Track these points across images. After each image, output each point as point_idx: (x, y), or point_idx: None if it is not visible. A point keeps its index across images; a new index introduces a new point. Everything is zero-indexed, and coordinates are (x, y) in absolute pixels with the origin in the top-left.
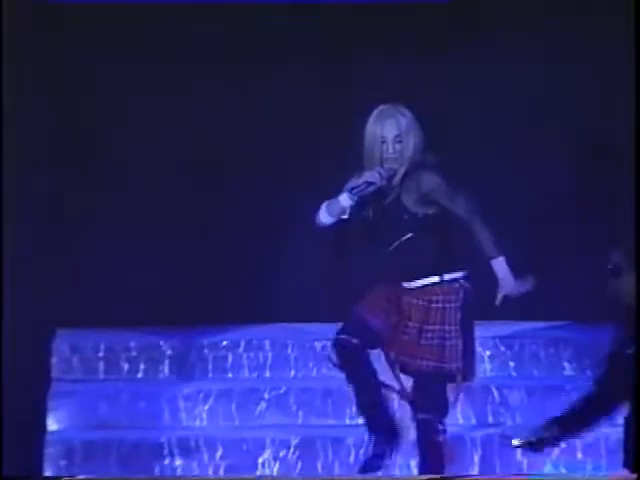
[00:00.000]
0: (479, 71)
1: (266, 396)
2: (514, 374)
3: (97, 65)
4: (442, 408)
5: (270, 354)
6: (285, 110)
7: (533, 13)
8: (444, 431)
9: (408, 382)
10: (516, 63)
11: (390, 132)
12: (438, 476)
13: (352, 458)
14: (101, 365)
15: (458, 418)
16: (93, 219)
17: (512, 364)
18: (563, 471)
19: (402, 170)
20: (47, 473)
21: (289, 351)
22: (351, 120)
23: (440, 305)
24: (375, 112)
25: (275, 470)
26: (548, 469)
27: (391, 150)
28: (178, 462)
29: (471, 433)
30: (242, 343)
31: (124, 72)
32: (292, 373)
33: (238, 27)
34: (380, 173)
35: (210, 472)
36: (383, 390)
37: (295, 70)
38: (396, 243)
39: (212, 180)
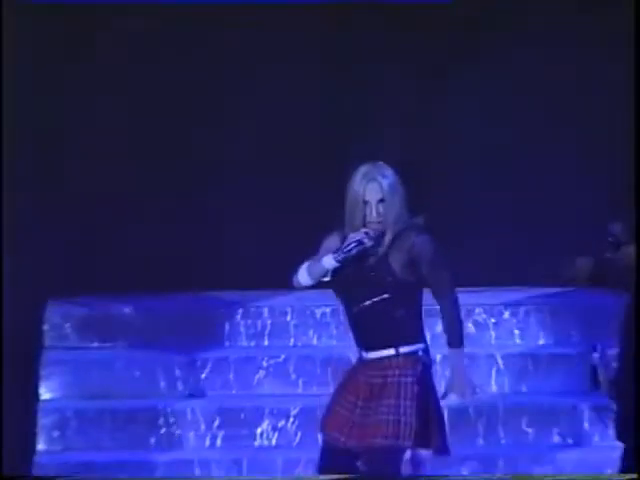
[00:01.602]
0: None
1: (264, 364)
2: (519, 342)
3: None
4: None
5: (269, 321)
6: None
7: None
8: None
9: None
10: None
11: (373, 196)
12: (441, 475)
13: None
14: (95, 332)
15: None
16: (87, 185)
17: (517, 332)
18: (570, 441)
19: (390, 231)
20: (40, 444)
21: (288, 318)
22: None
23: (395, 380)
24: (358, 174)
25: (274, 441)
26: (556, 439)
27: (375, 214)
28: (174, 432)
29: (475, 402)
30: (240, 310)
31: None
32: (291, 341)
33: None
34: (368, 233)
35: (207, 443)
36: None
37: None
38: (369, 302)
39: (208, 143)
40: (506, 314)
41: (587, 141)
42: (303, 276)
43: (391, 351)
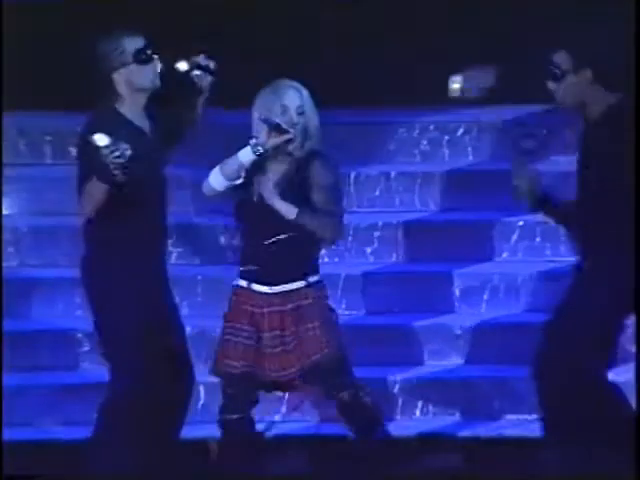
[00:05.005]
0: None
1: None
2: (472, 159)
3: None
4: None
5: None
6: None
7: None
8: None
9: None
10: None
11: (292, 102)
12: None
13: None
14: (48, 149)
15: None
16: None
17: (470, 149)
18: (520, 255)
19: (304, 146)
20: None
21: None
22: None
23: (313, 302)
24: (270, 86)
25: None
26: (506, 255)
27: (295, 120)
28: None
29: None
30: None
31: None
32: None
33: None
34: (293, 125)
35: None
36: None
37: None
38: (277, 237)
39: None
40: (460, 132)
41: None
42: (216, 178)
43: (302, 283)
